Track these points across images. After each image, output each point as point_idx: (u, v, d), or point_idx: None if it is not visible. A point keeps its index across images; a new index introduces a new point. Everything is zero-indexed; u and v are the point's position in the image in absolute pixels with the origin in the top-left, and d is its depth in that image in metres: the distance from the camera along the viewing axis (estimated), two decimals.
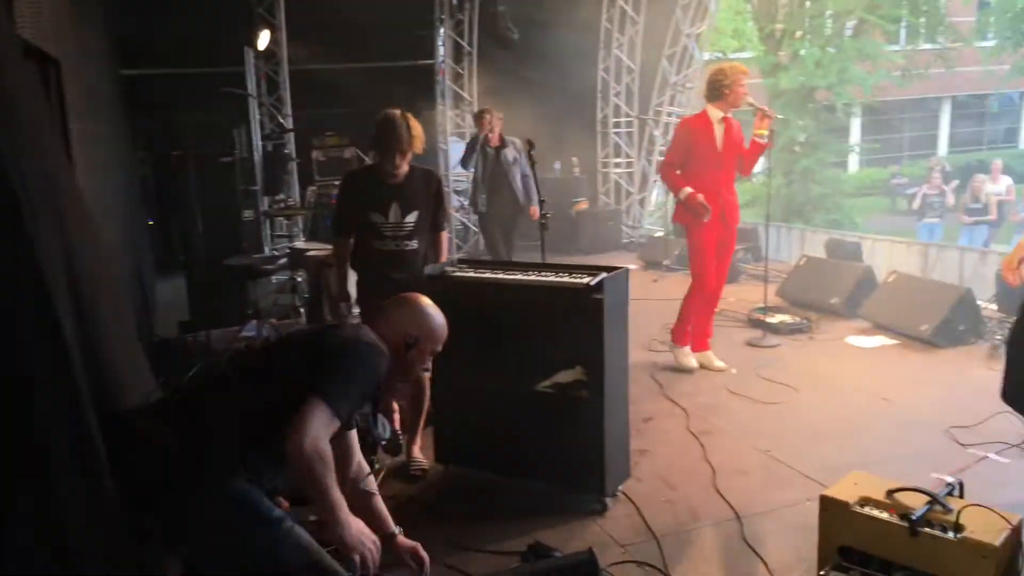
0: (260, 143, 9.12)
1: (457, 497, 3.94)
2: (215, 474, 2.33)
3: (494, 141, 7.61)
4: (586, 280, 3.67)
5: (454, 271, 4.07)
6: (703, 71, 12.13)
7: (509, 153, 7.55)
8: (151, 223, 7.94)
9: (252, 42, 8.84)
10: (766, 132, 5.48)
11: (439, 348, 2.87)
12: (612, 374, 3.65)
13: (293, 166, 9.20)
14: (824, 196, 16.01)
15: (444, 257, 4.45)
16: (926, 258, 8.77)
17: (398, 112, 4.20)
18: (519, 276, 3.90)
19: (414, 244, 4.26)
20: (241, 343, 5.69)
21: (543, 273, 3.90)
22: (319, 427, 2.31)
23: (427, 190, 4.30)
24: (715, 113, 5.42)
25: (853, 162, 24.05)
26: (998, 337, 5.66)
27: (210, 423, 2.42)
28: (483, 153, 7.62)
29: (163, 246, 8.59)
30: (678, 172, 5.45)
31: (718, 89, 5.39)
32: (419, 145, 4.20)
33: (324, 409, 2.34)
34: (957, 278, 8.07)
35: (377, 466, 3.93)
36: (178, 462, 2.32)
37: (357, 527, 2.42)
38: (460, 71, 10.22)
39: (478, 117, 7.89)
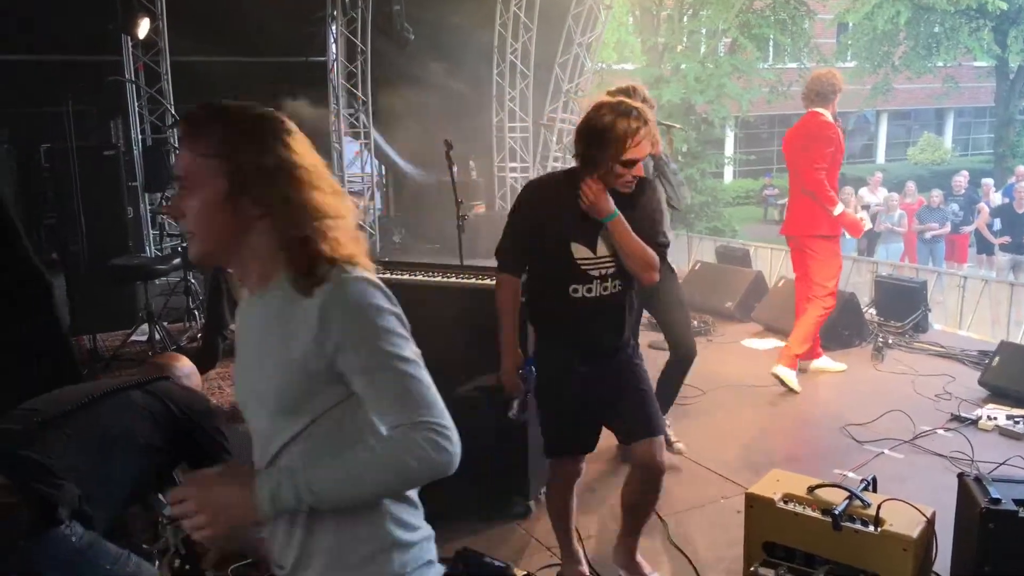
0: (140, 136, 8.63)
1: None
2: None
3: None
4: None
5: None
6: (594, 80, 12.41)
7: None
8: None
9: (131, 30, 8.34)
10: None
11: None
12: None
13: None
14: (705, 204, 16.67)
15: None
16: None
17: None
18: (438, 278, 3.84)
19: (618, 287, 2.81)
20: (133, 348, 5.33)
21: (461, 275, 3.85)
22: None
23: (643, 207, 2.84)
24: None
25: (728, 173, 25.20)
26: (880, 340, 6.01)
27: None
28: None
29: (32, 244, 7.96)
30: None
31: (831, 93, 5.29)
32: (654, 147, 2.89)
33: None
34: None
35: None
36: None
37: None
38: (354, 70, 10.00)
39: None
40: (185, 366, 2.83)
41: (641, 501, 3.02)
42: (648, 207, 2.85)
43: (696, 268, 8.01)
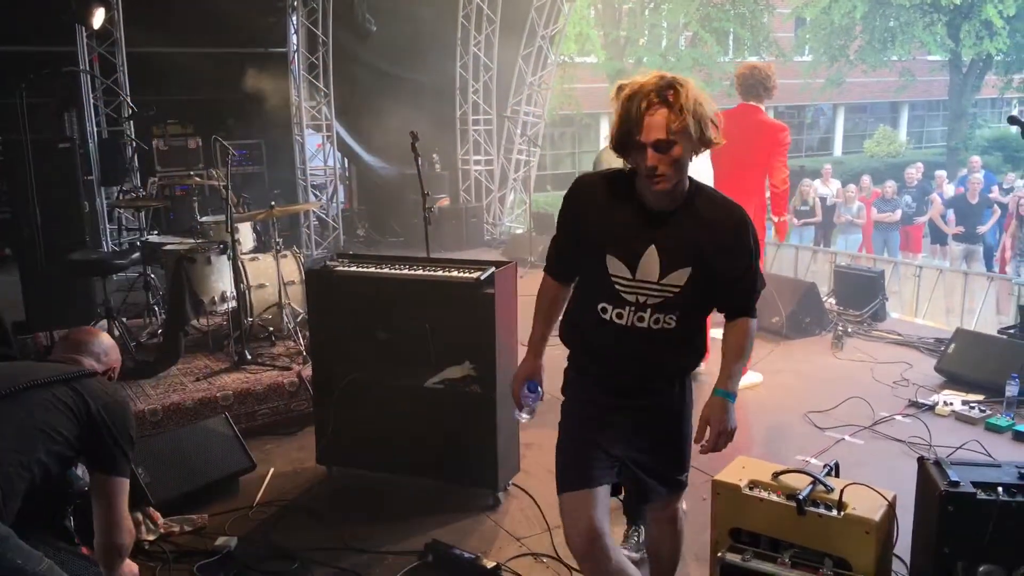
0: (95, 129, 8.45)
1: (345, 500, 3.82)
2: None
3: None
4: (475, 275, 3.65)
5: (336, 265, 3.94)
6: (557, 73, 12.41)
7: None
8: None
9: (85, 20, 8.14)
10: None
11: None
12: (503, 369, 3.63)
13: (135, 155, 8.56)
14: None
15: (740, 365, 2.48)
16: (765, 256, 9.36)
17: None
18: (405, 271, 3.82)
19: (671, 323, 2.30)
20: None
21: (429, 268, 3.84)
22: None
23: (722, 235, 2.27)
24: None
25: None
26: (839, 328, 6.12)
27: None
28: None
29: None
30: None
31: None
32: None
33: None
34: (792, 274, 8.69)
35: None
36: None
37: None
38: (315, 61, 9.88)
39: None
40: (103, 341, 2.77)
41: (662, 550, 2.76)
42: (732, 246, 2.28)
43: None
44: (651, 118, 2.10)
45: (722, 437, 2.37)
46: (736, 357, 2.42)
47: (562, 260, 2.46)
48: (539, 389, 2.54)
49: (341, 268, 3.91)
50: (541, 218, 10.30)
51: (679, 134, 2.09)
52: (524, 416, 2.58)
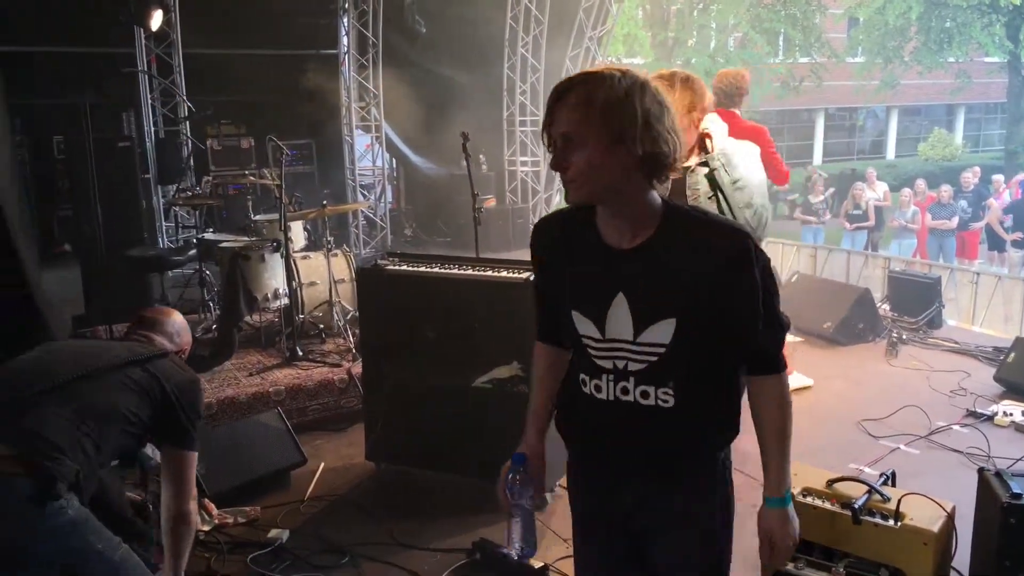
0: (152, 129, 8.66)
1: (394, 496, 3.86)
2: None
3: None
4: (524, 275, 3.65)
5: (387, 264, 3.98)
6: None
7: None
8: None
9: (143, 22, 8.35)
10: None
11: None
12: None
13: (191, 154, 8.76)
14: None
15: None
16: (815, 260, 9.21)
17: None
18: (455, 270, 3.84)
19: (667, 399, 1.71)
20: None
21: (478, 268, 3.85)
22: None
23: (713, 266, 1.65)
24: None
25: None
26: (894, 335, 6.00)
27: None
28: None
29: (41, 235, 8.02)
30: None
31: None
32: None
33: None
34: (844, 280, 8.52)
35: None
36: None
37: None
38: (365, 63, 9.99)
39: None
40: (176, 321, 2.82)
41: None
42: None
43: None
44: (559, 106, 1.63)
45: (790, 552, 1.88)
46: (776, 441, 1.78)
47: (544, 320, 1.97)
48: (525, 473, 1.86)
49: (392, 267, 3.94)
50: None
51: (578, 129, 1.60)
52: (515, 546, 1.88)
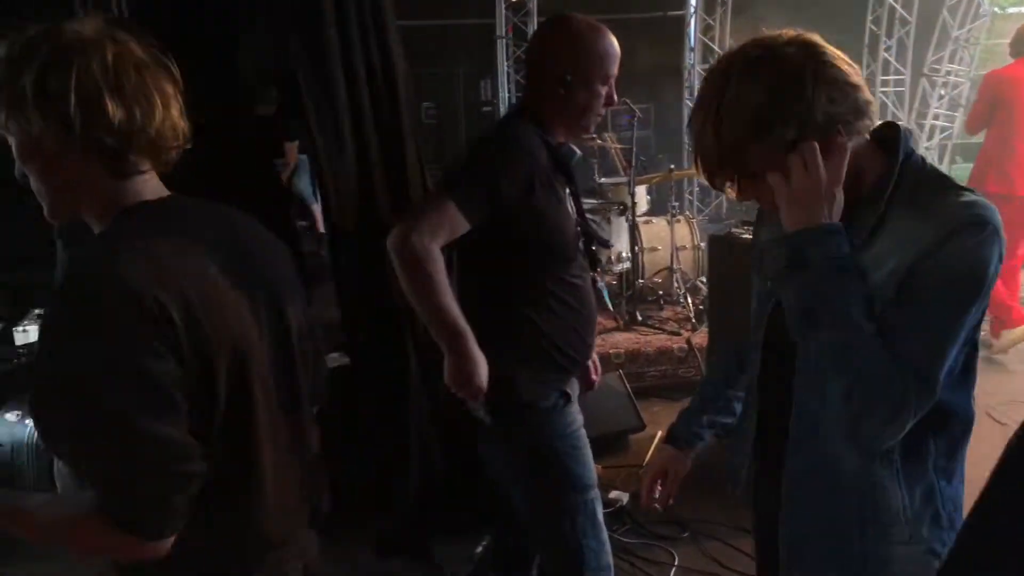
0: (507, 95, 9.16)
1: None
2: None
3: None
4: None
5: (741, 233, 3.78)
6: (992, 26, 10.73)
7: None
8: None
9: None
10: None
11: (613, 71, 2.11)
12: None
13: None
14: None
15: None
16: None
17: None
18: None
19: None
20: None
21: None
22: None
23: None
24: None
25: None
26: None
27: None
28: None
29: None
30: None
31: None
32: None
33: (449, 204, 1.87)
34: None
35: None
36: None
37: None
38: (711, 22, 9.67)
39: None
40: None
41: None
42: None
43: None
44: None
45: None
46: None
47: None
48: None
49: (746, 236, 3.74)
50: None
51: None
52: None
